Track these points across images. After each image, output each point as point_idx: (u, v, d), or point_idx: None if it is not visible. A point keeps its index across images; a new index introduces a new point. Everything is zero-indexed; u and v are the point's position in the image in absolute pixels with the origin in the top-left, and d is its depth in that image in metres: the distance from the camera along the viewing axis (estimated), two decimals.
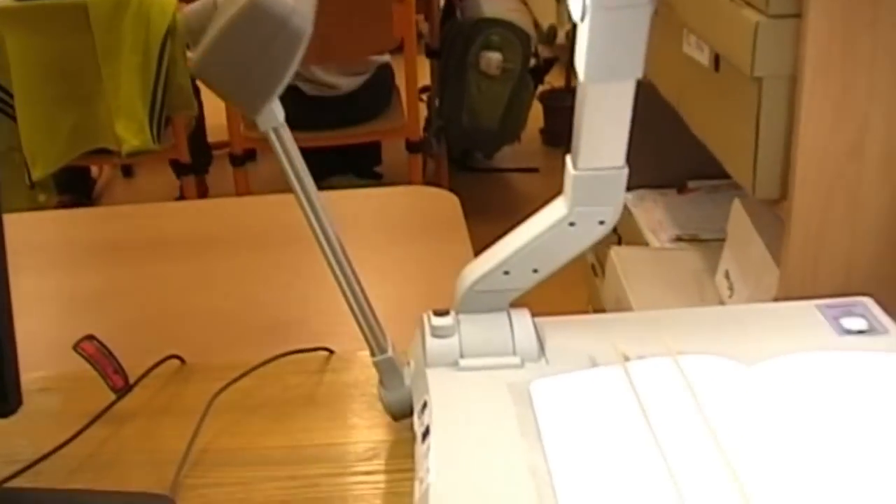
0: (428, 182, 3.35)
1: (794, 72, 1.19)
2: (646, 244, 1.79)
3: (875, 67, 1.17)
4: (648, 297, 1.55)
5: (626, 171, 0.90)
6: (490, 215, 2.70)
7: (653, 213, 1.90)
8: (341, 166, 3.65)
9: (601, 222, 0.92)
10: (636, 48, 0.81)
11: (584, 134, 0.87)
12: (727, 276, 1.43)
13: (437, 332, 0.96)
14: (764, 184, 1.25)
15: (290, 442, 1.02)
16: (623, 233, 1.93)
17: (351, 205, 1.69)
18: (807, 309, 1.05)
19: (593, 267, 2.09)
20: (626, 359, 0.94)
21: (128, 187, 4.14)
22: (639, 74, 0.83)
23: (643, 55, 0.81)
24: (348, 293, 0.94)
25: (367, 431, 1.03)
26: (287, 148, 0.87)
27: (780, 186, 1.25)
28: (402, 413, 0.99)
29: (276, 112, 0.83)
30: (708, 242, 1.61)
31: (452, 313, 0.97)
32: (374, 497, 0.94)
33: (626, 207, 2.01)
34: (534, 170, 4.03)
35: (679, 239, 1.78)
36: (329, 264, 0.92)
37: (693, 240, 1.75)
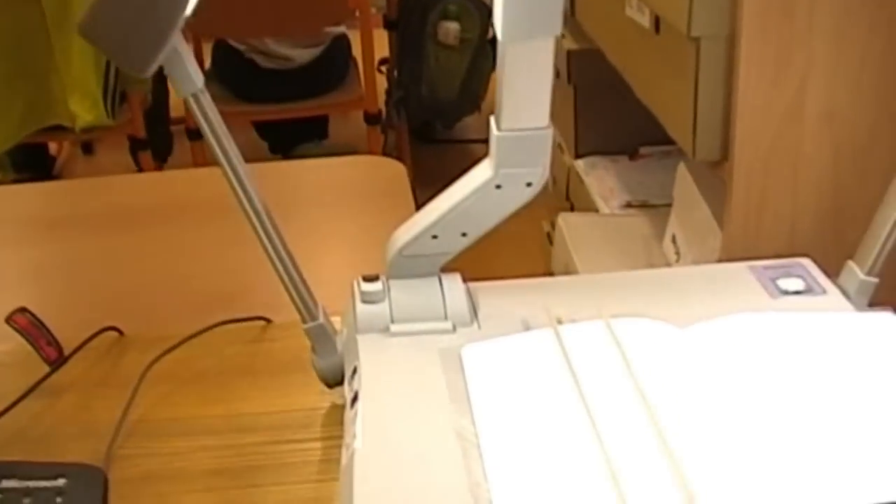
0: (388, 154, 3.34)
1: (731, 32, 1.18)
2: (597, 211, 1.79)
3: (813, 26, 1.17)
4: (596, 263, 1.54)
5: (550, 131, 0.89)
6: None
7: (604, 181, 1.89)
8: (308, 134, 3.63)
9: (528, 184, 0.91)
10: (553, 5, 0.80)
11: (505, 94, 0.86)
12: (674, 240, 1.43)
13: (367, 298, 0.95)
14: (704, 146, 1.25)
15: (225, 411, 1.01)
16: (575, 200, 1.92)
17: (296, 175, 1.68)
18: (743, 271, 1.05)
19: (549, 235, 2.08)
20: (560, 322, 0.93)
21: (88, 164, 4.10)
22: (557, 32, 0.82)
23: (560, 12, 0.80)
24: (275, 259, 0.93)
25: (302, 399, 1.02)
26: (207, 114, 0.86)
27: (720, 148, 1.24)
28: (335, 380, 0.98)
29: (194, 77, 0.82)
30: (658, 208, 1.61)
31: (382, 279, 0.96)
32: (307, 464, 0.94)
33: (577, 175, 2.01)
34: None
35: (629, 205, 1.78)
36: (255, 230, 0.91)
37: (643, 206, 1.75)
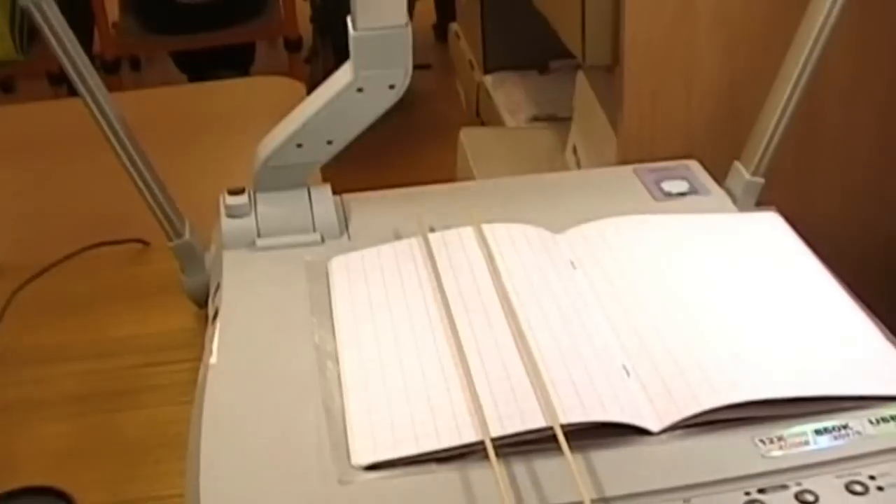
0: (317, 83, 3.26)
1: None
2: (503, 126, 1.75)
3: None
4: (496, 176, 1.50)
5: (409, 29, 0.85)
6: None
7: (512, 95, 1.85)
8: (230, 66, 3.56)
9: (391, 86, 0.88)
10: None
11: None
12: (574, 151, 1.40)
13: (232, 212, 0.91)
14: (594, 50, 1.21)
15: (94, 336, 0.98)
16: (484, 116, 1.89)
17: (195, 98, 1.63)
18: (628, 174, 1.03)
19: None
20: (432, 231, 0.90)
21: (6, 103, 4.01)
22: None
23: None
24: (133, 174, 0.90)
25: (175, 321, 0.99)
26: (52, 24, 0.81)
27: (610, 52, 1.20)
28: (204, 300, 0.94)
29: None
30: (564, 121, 1.57)
31: (249, 192, 0.92)
32: (173, 386, 0.90)
33: (485, 90, 1.97)
34: (426, 66, 3.95)
35: (536, 119, 1.74)
36: (112, 148, 0.87)
37: (550, 119, 1.71)
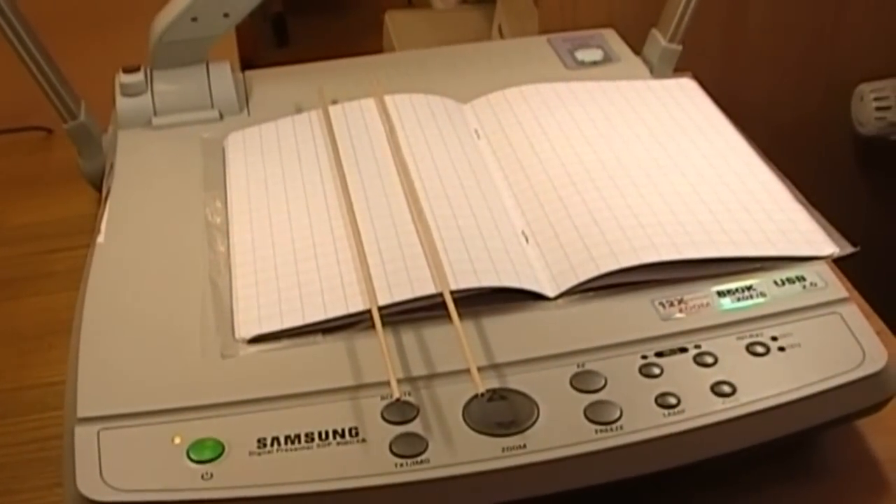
0: None
1: None
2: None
3: None
4: None
5: None
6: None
7: None
8: None
9: None
10: None
11: None
12: (500, 30, 1.36)
13: (127, 91, 0.88)
14: None
15: None
16: (415, 1, 1.84)
17: None
18: (541, 43, 0.99)
19: None
20: (335, 103, 0.86)
21: None
22: None
23: None
24: (24, 55, 0.86)
25: (73, 207, 0.96)
26: None
27: None
28: (102, 182, 0.91)
29: None
30: (492, 3, 1.53)
31: (145, 69, 0.89)
32: (71, 271, 0.86)
33: None
34: None
35: (465, 1, 1.70)
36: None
37: (479, 1, 1.67)
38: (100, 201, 0.89)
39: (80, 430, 0.59)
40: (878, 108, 1.24)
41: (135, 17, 1.45)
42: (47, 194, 0.98)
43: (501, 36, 1.36)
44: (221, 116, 0.88)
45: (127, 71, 0.89)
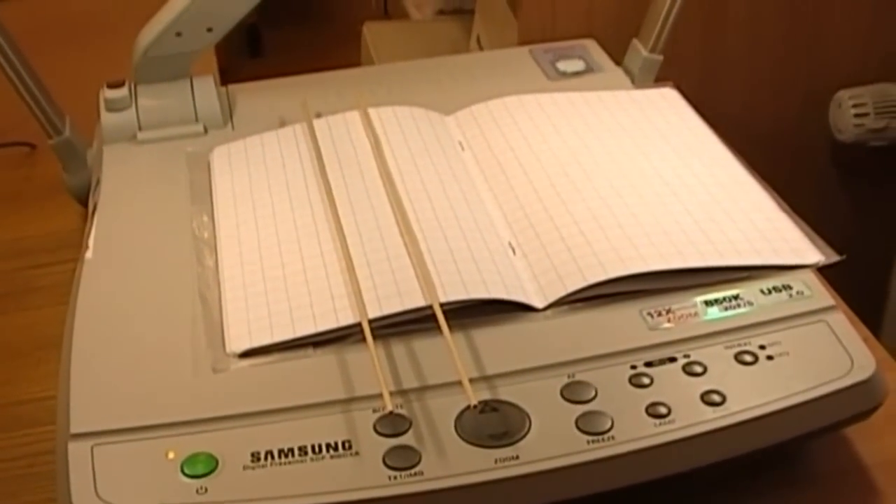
0: None
1: None
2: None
3: None
4: None
5: None
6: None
7: None
8: None
9: None
10: None
11: None
12: (478, 40, 1.37)
13: (112, 106, 0.88)
14: None
15: None
16: (392, 12, 1.85)
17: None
18: (523, 55, 1.00)
19: None
20: (318, 117, 0.87)
21: None
22: None
23: None
24: (10, 72, 0.86)
25: (58, 222, 0.95)
26: None
27: None
28: (86, 197, 0.91)
29: None
30: (470, 13, 1.53)
31: (129, 84, 0.89)
32: (56, 286, 0.87)
33: None
34: None
35: (442, 12, 1.70)
36: None
37: (456, 12, 1.67)
38: (85, 216, 0.89)
39: (73, 447, 0.59)
40: (857, 115, 1.25)
41: (106, 31, 1.46)
42: (31, 209, 0.98)
43: (480, 47, 1.37)
44: (206, 130, 0.88)
45: (111, 86, 0.89)
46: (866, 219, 1.36)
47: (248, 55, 2.87)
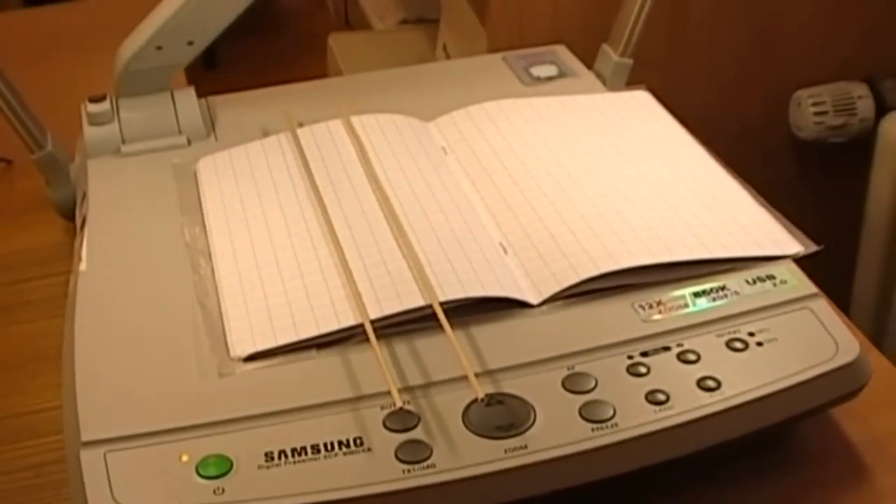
0: None
1: None
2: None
3: None
4: None
5: None
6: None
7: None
8: None
9: None
10: None
11: None
12: (445, 49, 1.39)
13: (94, 120, 0.89)
14: None
15: None
16: (353, 22, 1.86)
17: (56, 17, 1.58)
18: (496, 61, 1.01)
19: None
20: (301, 126, 0.88)
21: None
22: None
23: None
24: None
25: (41, 237, 0.96)
26: None
27: None
28: (71, 212, 0.92)
29: None
30: (433, 22, 1.55)
31: (110, 98, 0.90)
32: (46, 300, 0.88)
33: None
34: None
35: (405, 21, 1.72)
36: None
37: (420, 21, 1.69)
38: (69, 230, 0.90)
39: (85, 454, 0.60)
40: (816, 114, 1.28)
41: (84, 44, 1.46)
42: (13, 225, 0.99)
43: (447, 55, 1.39)
44: (189, 142, 0.89)
45: (93, 100, 0.90)
46: (827, 212, 1.39)
47: (203, 67, 2.87)
